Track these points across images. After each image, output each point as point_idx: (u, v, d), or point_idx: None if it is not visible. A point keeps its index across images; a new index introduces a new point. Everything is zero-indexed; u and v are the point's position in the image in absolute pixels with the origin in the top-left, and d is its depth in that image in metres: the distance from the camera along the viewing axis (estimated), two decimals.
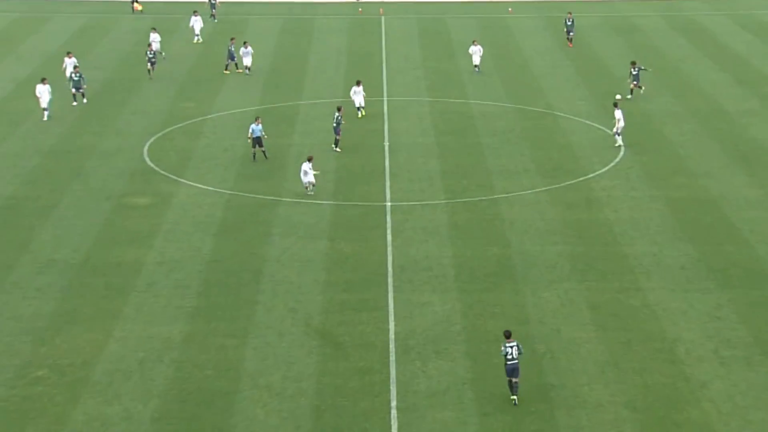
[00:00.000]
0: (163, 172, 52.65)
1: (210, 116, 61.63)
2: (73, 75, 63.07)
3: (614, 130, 55.05)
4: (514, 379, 32.13)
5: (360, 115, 59.63)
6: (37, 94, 60.12)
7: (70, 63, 64.70)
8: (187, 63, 73.80)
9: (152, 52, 69.38)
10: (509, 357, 32.11)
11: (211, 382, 33.95)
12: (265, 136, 53.45)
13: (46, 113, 59.72)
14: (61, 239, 44.68)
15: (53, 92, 60.63)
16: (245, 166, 52.99)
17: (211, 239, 44.62)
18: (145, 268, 41.96)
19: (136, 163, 53.82)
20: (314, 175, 48.89)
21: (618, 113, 54.81)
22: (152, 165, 53.61)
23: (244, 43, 70.55)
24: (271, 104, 64.17)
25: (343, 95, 63.42)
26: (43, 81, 60.40)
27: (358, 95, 60.27)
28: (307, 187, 48.78)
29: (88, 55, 75.32)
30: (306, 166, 48.80)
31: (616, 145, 54.87)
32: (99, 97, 64.95)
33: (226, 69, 70.25)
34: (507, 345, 32.27)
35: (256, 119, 53.73)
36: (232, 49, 70.35)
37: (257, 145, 53.14)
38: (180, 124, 60.11)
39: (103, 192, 49.92)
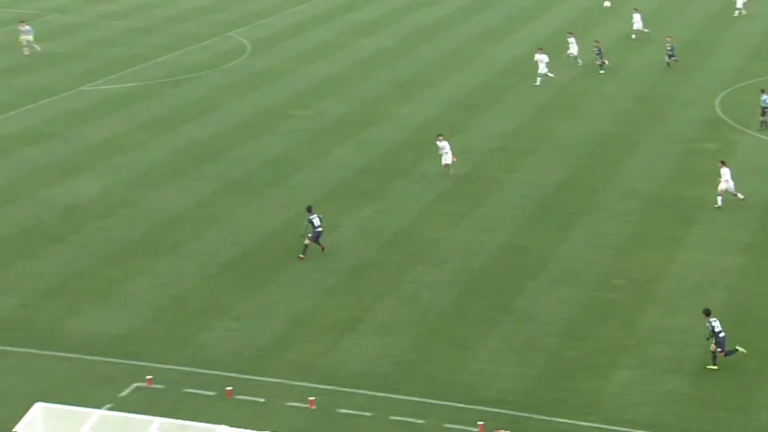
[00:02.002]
0: (730, 122, 51.54)
1: None
2: (593, 49, 60.92)
3: None
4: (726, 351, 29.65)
5: None
6: (536, 59, 58.22)
7: (572, 42, 61.38)
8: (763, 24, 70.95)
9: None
10: (718, 330, 29.47)
11: (760, 311, 33.32)
12: None
13: (539, 79, 57.64)
14: (642, 172, 45.34)
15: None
16: None
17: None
18: (708, 204, 41.54)
19: (708, 113, 53.05)
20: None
21: None
22: (722, 115, 52.62)
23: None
24: None
25: None
26: (540, 50, 58.62)
27: None
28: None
29: (679, 16, 74.58)
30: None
31: None
32: (682, 54, 64.22)
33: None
34: (711, 321, 29.73)
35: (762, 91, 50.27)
36: None
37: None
38: (750, 81, 58.23)
39: (677, 135, 49.83)
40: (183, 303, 33.85)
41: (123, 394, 28.42)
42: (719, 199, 41.12)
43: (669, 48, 61.02)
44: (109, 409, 26.95)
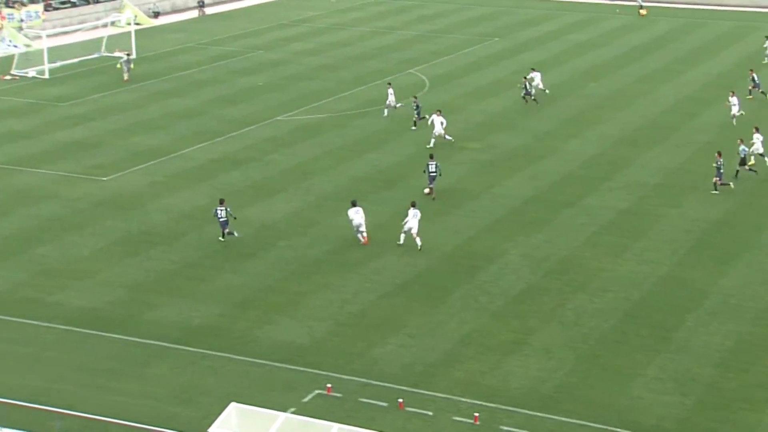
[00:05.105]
0: None
1: None
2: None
3: None
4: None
5: None
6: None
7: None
8: None
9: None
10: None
11: None
12: None
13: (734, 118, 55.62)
14: None
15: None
16: None
17: None
18: None
19: None
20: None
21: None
22: None
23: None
24: None
25: None
26: (732, 93, 56.75)
27: None
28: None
29: None
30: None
31: None
32: None
33: None
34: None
35: None
36: None
37: None
38: None
39: None
40: (361, 318, 34.25)
41: (305, 399, 28.92)
42: None
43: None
44: (293, 412, 27.41)
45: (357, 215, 39.96)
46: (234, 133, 56.06)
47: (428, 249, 39.92)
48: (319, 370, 30.54)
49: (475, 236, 41.18)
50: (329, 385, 29.43)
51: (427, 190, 45.47)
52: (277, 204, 45.01)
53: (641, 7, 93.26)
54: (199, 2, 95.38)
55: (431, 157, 45.78)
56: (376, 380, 29.97)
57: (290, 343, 32.35)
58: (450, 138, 52.71)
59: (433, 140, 52.82)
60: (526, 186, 47.51)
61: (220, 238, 40.35)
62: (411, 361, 31.18)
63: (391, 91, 58.98)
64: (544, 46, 79.82)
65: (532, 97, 61.34)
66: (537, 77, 63.47)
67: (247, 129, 56.90)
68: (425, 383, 29.84)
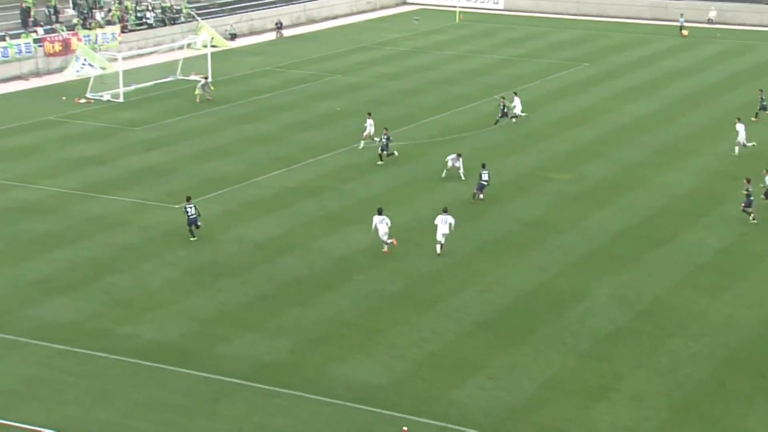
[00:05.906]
0: None
1: None
2: None
3: None
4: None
5: None
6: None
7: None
8: None
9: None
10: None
11: None
12: None
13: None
14: None
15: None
16: None
17: None
18: None
19: None
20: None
21: None
22: None
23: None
24: None
25: None
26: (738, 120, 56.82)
27: None
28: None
29: None
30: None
31: None
32: None
33: None
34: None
35: None
36: None
37: None
38: None
39: None
40: (440, 358, 33.81)
41: None
42: None
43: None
44: None
45: (382, 224, 41.55)
46: (310, 160, 56.28)
47: (511, 285, 39.38)
48: (396, 411, 30.17)
49: (561, 273, 40.50)
50: (406, 428, 29.02)
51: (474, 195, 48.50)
52: (353, 235, 44.88)
53: (682, 27, 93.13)
54: (277, 24, 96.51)
55: (483, 166, 48.74)
56: (455, 424, 29.49)
57: (366, 382, 32.05)
58: (446, 172, 52.27)
59: (445, 171, 52.48)
60: (615, 220, 46.67)
61: (192, 239, 43.26)
62: (491, 405, 30.64)
63: (370, 122, 57.69)
64: (635, 72, 78.81)
65: (509, 117, 61.95)
66: (517, 102, 63.15)
67: (324, 156, 57.08)
68: (507, 428, 29.27)
